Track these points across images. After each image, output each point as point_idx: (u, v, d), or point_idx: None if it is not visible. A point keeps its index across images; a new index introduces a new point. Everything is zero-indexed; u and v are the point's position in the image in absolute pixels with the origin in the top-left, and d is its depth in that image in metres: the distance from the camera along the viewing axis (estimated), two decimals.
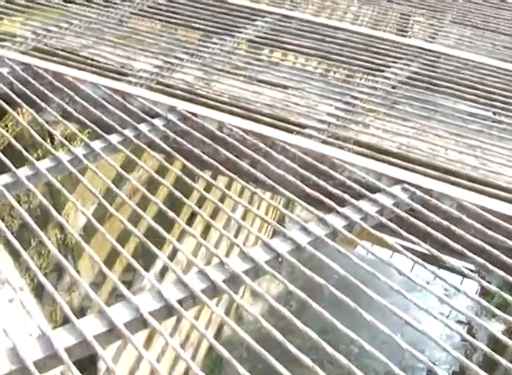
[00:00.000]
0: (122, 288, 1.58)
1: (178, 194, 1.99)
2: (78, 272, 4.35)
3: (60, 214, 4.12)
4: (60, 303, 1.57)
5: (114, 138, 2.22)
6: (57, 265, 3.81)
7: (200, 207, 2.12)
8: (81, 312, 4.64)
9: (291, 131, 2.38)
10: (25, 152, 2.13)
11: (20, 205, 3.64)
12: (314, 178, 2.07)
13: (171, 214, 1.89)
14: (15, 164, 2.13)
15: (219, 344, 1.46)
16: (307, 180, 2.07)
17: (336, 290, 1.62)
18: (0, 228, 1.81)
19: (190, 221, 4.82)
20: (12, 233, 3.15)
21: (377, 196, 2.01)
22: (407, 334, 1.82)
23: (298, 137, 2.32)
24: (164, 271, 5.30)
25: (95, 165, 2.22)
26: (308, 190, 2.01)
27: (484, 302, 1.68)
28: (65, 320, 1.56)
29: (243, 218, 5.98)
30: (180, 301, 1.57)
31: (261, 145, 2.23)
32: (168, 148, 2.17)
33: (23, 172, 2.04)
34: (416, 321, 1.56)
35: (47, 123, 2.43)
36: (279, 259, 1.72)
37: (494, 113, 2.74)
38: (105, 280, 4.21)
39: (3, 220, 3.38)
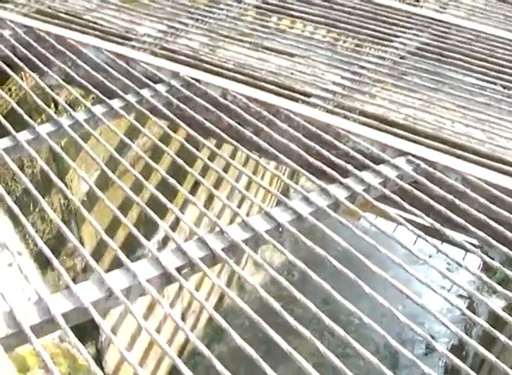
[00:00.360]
0: (121, 255, 1.57)
1: (181, 162, 1.96)
2: (81, 238, 4.37)
3: (63, 180, 4.14)
4: (58, 268, 1.56)
5: (116, 103, 2.19)
6: (59, 230, 3.82)
7: (203, 176, 2.11)
8: (84, 278, 4.66)
9: (296, 100, 2.34)
10: (26, 116, 2.10)
11: (24, 170, 3.64)
12: (318, 148, 2.04)
13: (174, 182, 1.86)
14: (18, 129, 2.11)
15: (221, 312, 1.46)
16: (310, 150, 2.04)
17: (337, 262, 1.60)
18: (1, 193, 1.79)
19: (194, 190, 4.81)
20: (16, 198, 3.15)
21: (381, 167, 1.98)
22: (407, 307, 1.80)
23: (303, 106, 2.29)
24: (166, 239, 5.31)
25: (99, 131, 2.20)
26: (311, 159, 1.98)
27: (485, 278, 1.66)
28: (67, 286, 1.55)
29: (247, 188, 5.96)
30: (179, 269, 1.55)
31: (265, 113, 2.20)
32: (170, 115, 2.14)
33: (23, 136, 2.02)
34: (417, 295, 1.54)
35: (50, 87, 2.40)
36: (280, 229, 1.71)
37: (504, 87, 2.69)
38: (108, 247, 4.22)
39: (7, 185, 3.38)
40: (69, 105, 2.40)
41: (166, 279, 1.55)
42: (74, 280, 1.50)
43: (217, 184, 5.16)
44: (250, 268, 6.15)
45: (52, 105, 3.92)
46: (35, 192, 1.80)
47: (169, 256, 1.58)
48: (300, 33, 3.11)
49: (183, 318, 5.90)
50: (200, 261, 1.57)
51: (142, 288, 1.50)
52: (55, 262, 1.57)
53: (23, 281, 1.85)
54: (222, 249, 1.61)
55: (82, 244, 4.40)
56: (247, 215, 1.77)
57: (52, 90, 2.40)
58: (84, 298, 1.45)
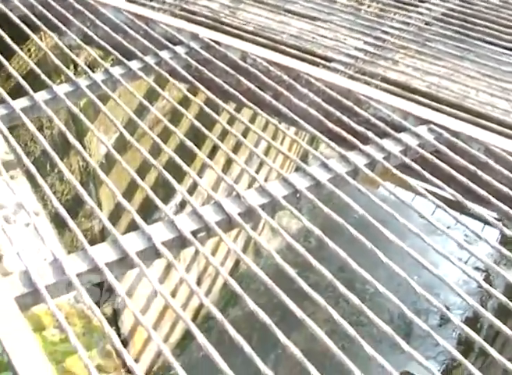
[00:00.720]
0: (137, 218, 1.56)
1: (200, 126, 1.94)
2: (99, 200, 4.38)
3: (82, 141, 4.13)
4: (74, 229, 1.56)
5: (134, 65, 2.16)
6: (76, 194, 3.82)
7: (222, 140, 2.08)
8: (102, 240, 4.69)
9: (317, 64, 2.30)
10: (44, 76, 2.08)
11: (43, 131, 3.64)
12: (338, 114, 2.01)
13: (192, 146, 1.84)
14: (38, 90, 2.09)
15: (237, 277, 1.45)
16: (330, 116, 2.01)
17: (354, 229, 1.58)
18: (19, 153, 1.78)
19: (212, 154, 4.78)
20: (34, 159, 3.15)
21: (402, 135, 1.94)
22: (423, 277, 1.79)
23: (324, 71, 2.24)
24: (184, 203, 5.32)
25: (118, 93, 2.17)
26: (331, 125, 1.95)
27: (504, 251, 1.63)
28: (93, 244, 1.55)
29: (266, 153, 5.93)
30: (194, 233, 1.54)
31: (285, 77, 2.16)
32: (189, 77, 2.11)
33: (41, 96, 2.00)
34: (433, 265, 1.52)
35: (69, 48, 2.37)
36: (297, 195, 1.68)
37: None
38: (125, 210, 4.22)
39: (26, 146, 3.38)
40: (88, 66, 2.37)
41: (181, 242, 1.53)
42: (92, 242, 1.50)
43: (235, 149, 5.13)
44: (267, 234, 6.14)
45: (72, 66, 3.90)
46: (53, 153, 1.79)
47: (185, 220, 1.57)
48: None
49: (199, 282, 5.94)
50: (216, 225, 1.56)
51: (157, 251, 1.49)
52: (71, 222, 1.57)
53: (40, 241, 1.85)
54: (239, 214, 1.60)
55: (99, 206, 4.42)
56: (265, 180, 1.75)
57: (71, 50, 2.37)
58: (99, 260, 1.45)
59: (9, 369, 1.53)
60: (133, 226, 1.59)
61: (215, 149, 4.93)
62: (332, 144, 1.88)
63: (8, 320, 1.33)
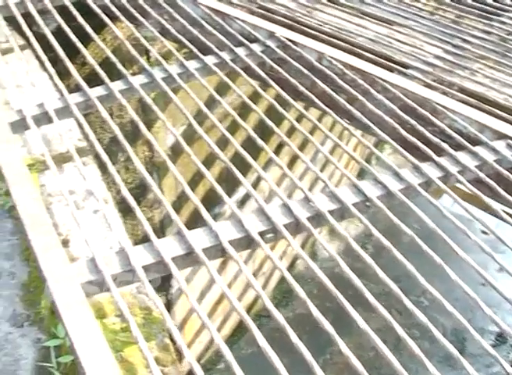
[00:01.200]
0: (205, 214, 1.56)
1: (268, 122, 1.93)
2: (161, 190, 4.43)
3: (150, 131, 4.17)
4: (141, 220, 1.57)
5: (210, 60, 2.16)
6: (142, 181, 3.87)
7: (288, 138, 2.06)
8: (161, 230, 4.74)
9: (393, 70, 2.25)
10: (120, 66, 2.11)
11: (112, 120, 3.69)
12: (413, 122, 1.96)
13: (259, 142, 1.83)
14: (110, 78, 2.12)
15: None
16: (404, 124, 1.96)
17: (420, 240, 1.54)
18: (91, 140, 1.81)
19: (276, 152, 4.77)
20: (102, 147, 3.21)
21: (478, 149, 1.88)
22: (481, 294, 1.73)
23: (400, 77, 2.20)
24: (245, 199, 5.32)
25: (188, 85, 2.18)
26: (405, 134, 1.91)
27: None
28: (145, 236, 1.56)
29: (330, 154, 5.87)
30: (261, 234, 1.53)
31: (361, 82, 2.12)
32: (264, 75, 2.10)
33: (117, 85, 2.03)
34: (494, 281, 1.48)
35: (145, 38, 2.39)
36: (368, 203, 1.65)
37: None
38: (186, 202, 4.25)
39: (95, 133, 3.44)
40: (155, 59, 2.38)
41: (248, 242, 1.52)
42: (154, 231, 1.51)
43: (300, 149, 5.09)
44: (325, 236, 6.10)
45: (145, 57, 3.94)
46: (124, 141, 1.81)
47: (253, 220, 1.56)
48: (401, 1, 2.99)
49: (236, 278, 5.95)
50: (284, 228, 1.54)
51: (223, 250, 1.49)
52: (139, 212, 1.58)
53: (106, 229, 1.88)
54: (307, 218, 1.57)
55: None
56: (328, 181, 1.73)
57: (147, 42, 2.39)
58: (165, 254, 1.45)
59: (71, 353, 1.56)
60: (193, 219, 1.59)
61: (279, 148, 4.91)
62: (405, 152, 1.83)
63: (74, 305, 1.35)
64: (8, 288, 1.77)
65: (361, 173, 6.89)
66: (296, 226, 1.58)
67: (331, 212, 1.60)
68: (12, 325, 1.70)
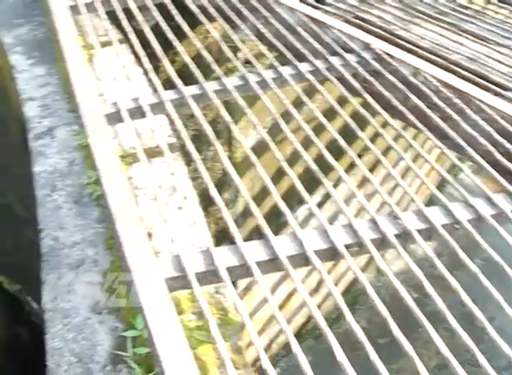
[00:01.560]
0: (292, 222, 1.56)
1: (354, 124, 1.91)
2: (237, 190, 4.46)
3: (231, 132, 4.20)
4: (227, 220, 1.58)
5: (304, 67, 2.16)
6: (220, 180, 3.90)
7: (366, 151, 2.04)
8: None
9: (490, 91, 2.19)
10: (215, 67, 2.13)
11: (196, 118, 3.74)
12: (508, 146, 1.90)
13: (342, 144, 1.82)
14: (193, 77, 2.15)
15: (356, 290, 1.42)
16: (499, 147, 1.90)
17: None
18: (182, 138, 1.83)
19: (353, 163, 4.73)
20: (183, 144, 3.25)
21: None
22: None
23: (497, 99, 2.13)
24: (319, 205, 5.30)
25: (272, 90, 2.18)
26: (499, 157, 1.85)
27: None
28: (222, 234, 1.57)
29: (406, 172, 5.78)
30: (346, 247, 1.51)
31: (456, 100, 2.07)
32: (357, 87, 2.08)
33: (211, 86, 2.05)
34: None
35: (236, 41, 2.41)
36: (456, 226, 1.61)
37: None
38: (261, 204, 4.27)
39: (175, 131, 3.50)
40: (248, 62, 2.40)
41: (332, 254, 1.51)
42: (225, 231, 1.52)
43: (378, 161, 5.03)
44: (392, 251, 6.00)
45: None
46: (216, 141, 1.83)
47: (339, 231, 1.54)
48: (502, 19, 2.91)
49: (317, 289, 5.90)
50: (370, 242, 1.52)
51: (307, 259, 1.48)
52: (225, 213, 1.59)
53: (189, 226, 1.90)
54: (394, 235, 1.55)
55: (237, 197, 4.50)
56: (402, 197, 1.70)
57: (236, 44, 2.41)
58: (249, 257, 1.46)
59: (147, 345, 1.58)
60: (267, 222, 1.58)
61: (361, 154, 4.86)
62: (499, 177, 1.78)
63: (157, 299, 1.37)
64: (90, 275, 1.82)
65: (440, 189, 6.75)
66: (381, 242, 1.56)
67: (419, 231, 1.57)
68: (92, 311, 1.74)
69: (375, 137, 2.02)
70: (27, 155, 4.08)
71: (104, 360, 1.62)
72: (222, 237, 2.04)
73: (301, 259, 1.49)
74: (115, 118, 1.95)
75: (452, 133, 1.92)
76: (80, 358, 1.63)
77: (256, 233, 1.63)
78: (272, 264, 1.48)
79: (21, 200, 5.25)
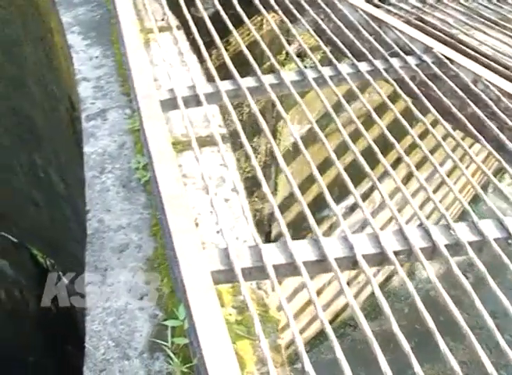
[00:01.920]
0: (344, 226, 1.53)
1: (404, 123, 1.88)
2: (276, 184, 4.45)
3: (276, 125, 4.20)
4: (278, 218, 1.56)
5: (363, 66, 2.12)
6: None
7: (410, 151, 2.01)
8: (268, 222, 4.77)
9: None
10: (273, 61, 2.11)
11: (242, 109, 3.74)
12: None
13: (392, 140, 1.78)
14: (245, 71, 2.13)
15: (384, 293, 1.39)
16: None
17: None
18: (237, 130, 1.82)
19: (396, 163, 4.68)
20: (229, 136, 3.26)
21: None
22: None
23: None
24: (354, 207, 5.26)
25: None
26: None
27: None
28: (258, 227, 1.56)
29: (449, 175, 5.71)
30: (396, 253, 1.48)
31: None
32: (416, 90, 2.03)
33: (268, 79, 2.02)
34: None
35: (297, 34, 2.38)
36: (510, 241, 1.57)
37: None
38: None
39: (229, 122, 3.50)
40: (299, 56, 2.36)
41: (381, 259, 1.48)
42: (259, 223, 1.50)
43: (420, 163, 4.98)
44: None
45: (283, 52, 3.96)
46: (269, 135, 1.81)
47: (389, 237, 1.51)
48: None
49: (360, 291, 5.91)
50: (420, 251, 1.49)
51: (355, 262, 1.45)
52: (277, 212, 1.57)
53: (234, 219, 1.89)
54: (445, 245, 1.51)
55: (275, 190, 4.49)
56: (441, 202, 1.67)
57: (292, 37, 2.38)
58: (298, 257, 1.44)
59: (186, 336, 1.58)
60: (303, 217, 1.56)
61: (399, 160, 4.81)
62: None
63: (202, 291, 1.36)
64: (133, 260, 1.82)
65: (474, 200, 6.65)
66: (432, 252, 1.53)
67: (470, 243, 1.53)
68: (133, 296, 1.74)
69: (432, 144, 1.98)
70: (73, 135, 4.12)
71: (141, 347, 1.62)
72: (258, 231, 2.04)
73: (349, 263, 1.47)
74: (170, 104, 1.94)
75: (510, 146, 1.86)
76: (117, 343, 1.63)
77: (290, 228, 1.61)
78: (320, 265, 1.46)
79: (62, 178, 5.33)
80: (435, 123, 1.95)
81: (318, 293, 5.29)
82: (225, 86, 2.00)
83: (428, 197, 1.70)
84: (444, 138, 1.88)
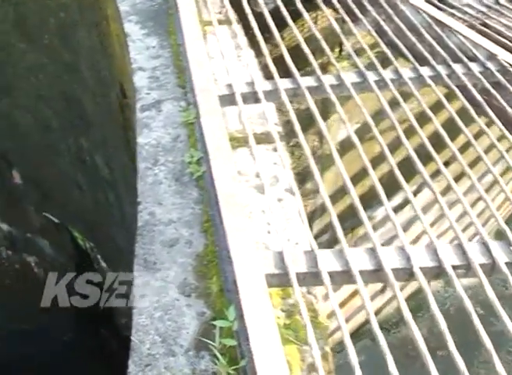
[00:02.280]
0: (401, 235, 1.50)
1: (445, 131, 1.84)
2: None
3: (324, 122, 4.15)
4: (334, 224, 1.53)
5: (425, 71, 2.07)
6: (303, 169, 3.86)
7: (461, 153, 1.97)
8: (310, 219, 4.73)
9: None
10: (333, 60, 2.08)
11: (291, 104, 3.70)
12: None
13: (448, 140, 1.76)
14: (303, 64, 2.11)
15: (419, 298, 1.36)
16: None
17: None
18: (296, 130, 1.79)
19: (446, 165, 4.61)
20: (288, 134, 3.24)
21: None
22: None
23: None
24: (398, 208, 5.18)
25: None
26: None
27: None
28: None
29: (492, 184, 5.59)
30: (454, 267, 1.45)
31: None
32: (479, 98, 1.98)
33: (328, 80, 2.00)
34: None
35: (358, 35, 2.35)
36: None
37: None
38: (342, 197, 4.20)
39: (286, 121, 3.48)
40: (362, 56, 2.33)
41: (438, 273, 1.45)
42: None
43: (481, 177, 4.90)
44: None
45: (336, 50, 3.91)
46: (327, 134, 1.78)
47: (448, 251, 1.47)
48: None
49: (383, 289, 5.82)
50: (479, 267, 1.45)
51: (412, 274, 1.42)
52: (334, 217, 1.55)
53: (286, 220, 1.86)
54: (505, 263, 1.47)
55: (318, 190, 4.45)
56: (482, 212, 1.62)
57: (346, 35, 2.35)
58: (354, 266, 1.41)
59: (235, 338, 1.56)
60: (349, 214, 1.54)
61: (447, 164, 4.72)
62: None
63: (255, 293, 1.34)
64: (183, 256, 1.81)
65: None
66: (491, 269, 1.48)
67: None
68: (181, 293, 1.73)
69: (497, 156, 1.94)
70: (122, 122, 4.14)
71: (187, 344, 1.61)
72: None
73: (406, 274, 1.44)
74: (227, 100, 1.93)
75: None
76: (164, 339, 1.63)
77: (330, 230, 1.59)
78: (376, 275, 1.43)
79: (107, 163, 5.38)
80: (495, 132, 1.90)
81: (355, 293, 5.25)
82: (284, 84, 1.98)
83: (489, 210, 1.66)
84: (508, 150, 1.83)
